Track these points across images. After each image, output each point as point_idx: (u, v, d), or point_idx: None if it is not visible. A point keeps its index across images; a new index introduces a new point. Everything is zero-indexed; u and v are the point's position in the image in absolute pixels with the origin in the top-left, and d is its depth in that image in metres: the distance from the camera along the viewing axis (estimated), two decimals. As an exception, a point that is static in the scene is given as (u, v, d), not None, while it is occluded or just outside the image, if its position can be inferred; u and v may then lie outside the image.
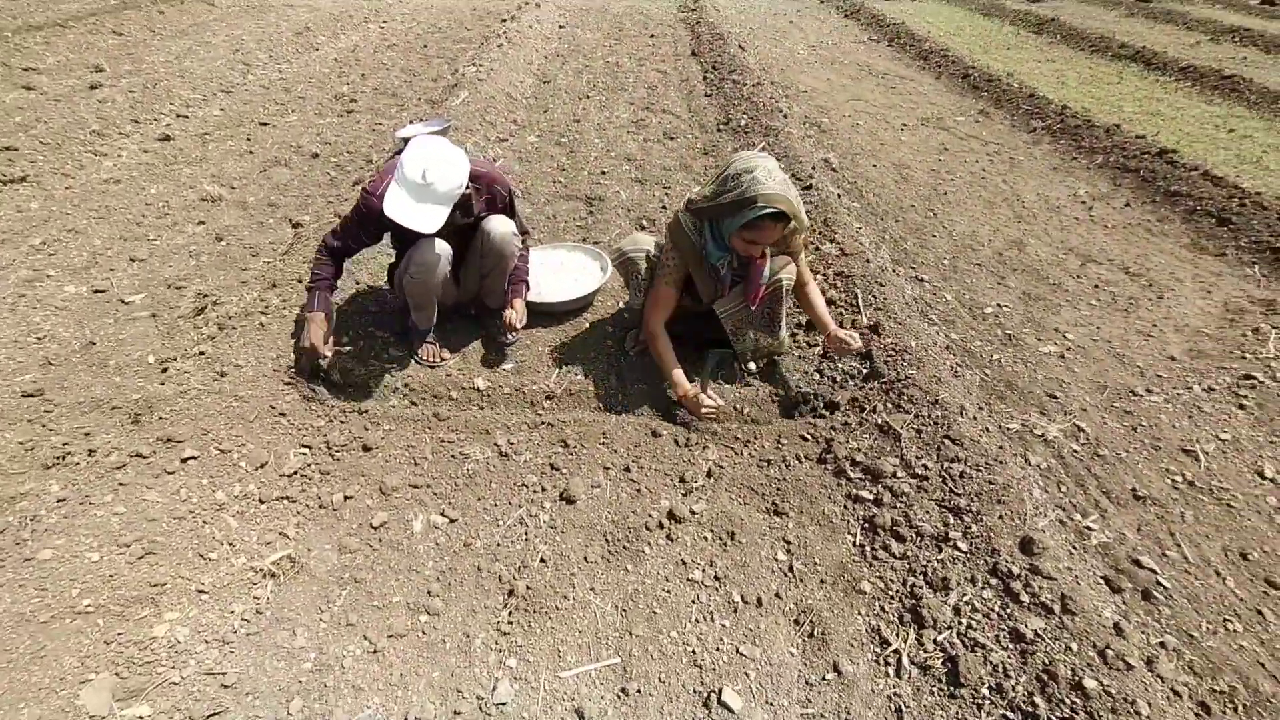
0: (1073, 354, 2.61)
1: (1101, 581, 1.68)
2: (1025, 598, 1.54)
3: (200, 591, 1.56)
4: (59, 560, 1.52)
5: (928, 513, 1.81)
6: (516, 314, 2.38)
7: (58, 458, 1.92)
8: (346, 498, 1.89)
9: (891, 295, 2.69)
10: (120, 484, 1.70)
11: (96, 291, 2.75)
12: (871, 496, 1.91)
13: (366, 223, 2.11)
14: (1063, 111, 5.24)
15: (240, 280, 2.85)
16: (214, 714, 1.38)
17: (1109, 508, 1.94)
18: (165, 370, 2.27)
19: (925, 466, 1.93)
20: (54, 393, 2.22)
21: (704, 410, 2.12)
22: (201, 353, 2.28)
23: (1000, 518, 1.73)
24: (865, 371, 2.35)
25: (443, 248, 2.18)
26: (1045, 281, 3.11)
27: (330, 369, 2.27)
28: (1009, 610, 1.53)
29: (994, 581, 1.59)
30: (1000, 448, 1.98)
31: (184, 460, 1.81)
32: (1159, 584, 1.71)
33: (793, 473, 2.02)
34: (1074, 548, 1.76)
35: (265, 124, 4.64)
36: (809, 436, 2.15)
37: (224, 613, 1.54)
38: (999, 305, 2.89)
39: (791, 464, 2.05)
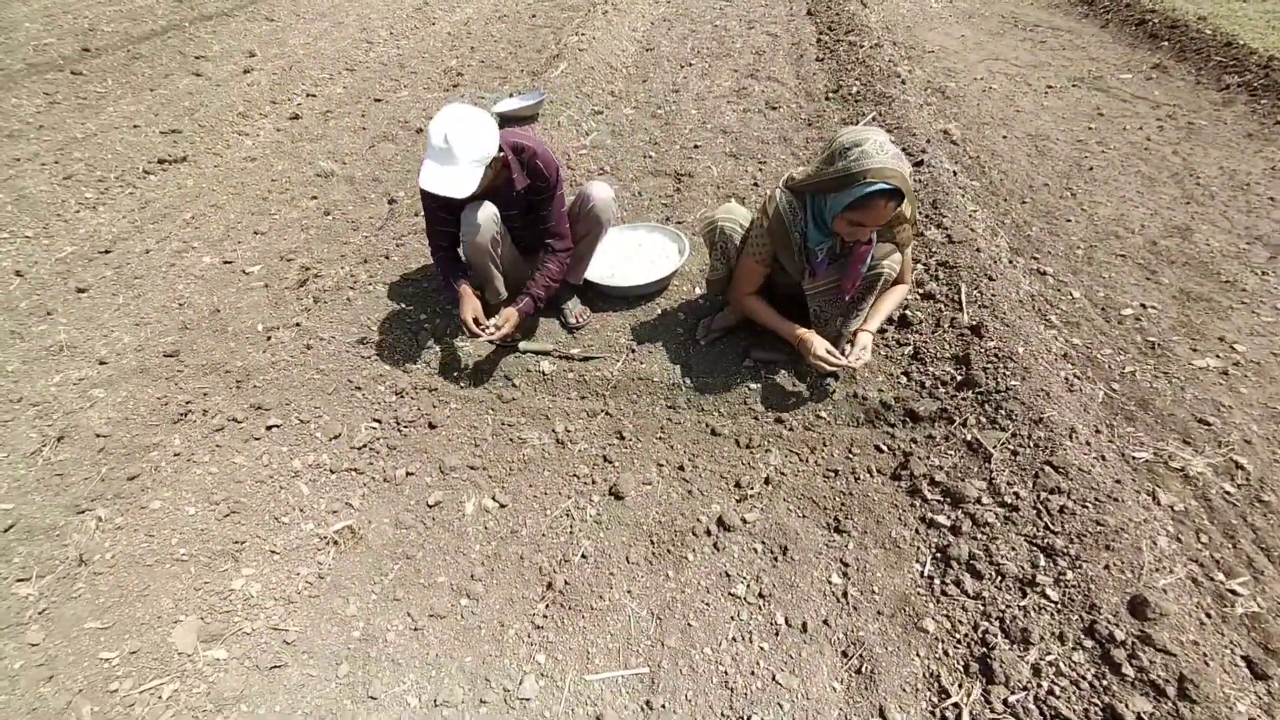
0: (1241, 371, 2.15)
1: (1241, 662, 1.38)
2: (1130, 670, 1.29)
3: (273, 552, 1.70)
4: (165, 511, 1.72)
5: (1014, 549, 1.58)
6: (504, 320, 2.15)
7: (181, 414, 2.17)
8: (408, 474, 1.98)
9: (1002, 291, 2.35)
10: (217, 445, 1.89)
11: (225, 263, 3.07)
12: (949, 523, 1.69)
13: (431, 206, 2.16)
14: (1269, 64, 4.28)
15: (340, 254, 3.05)
16: (276, 666, 1.51)
17: (1266, 569, 1.58)
18: (269, 339, 2.49)
19: (1017, 495, 1.67)
20: (186, 355, 2.50)
21: (822, 363, 1.98)
22: (297, 324, 2.47)
23: (1106, 567, 1.47)
24: (959, 378, 2.07)
25: (488, 210, 2.18)
26: (1214, 278, 2.58)
27: (503, 344, 2.27)
28: (1106, 683, 1.30)
29: (1089, 644, 1.36)
30: (1118, 481, 1.67)
31: (269, 428, 1.98)
32: (1321, 674, 1.37)
33: (861, 487, 1.84)
34: (1208, 616, 1.45)
35: (379, 100, 4.91)
36: (885, 447, 1.95)
37: (291, 574, 1.67)
38: (1143, 306, 2.44)
39: (861, 477, 1.87)
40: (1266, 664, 1.37)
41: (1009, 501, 1.67)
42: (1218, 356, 2.21)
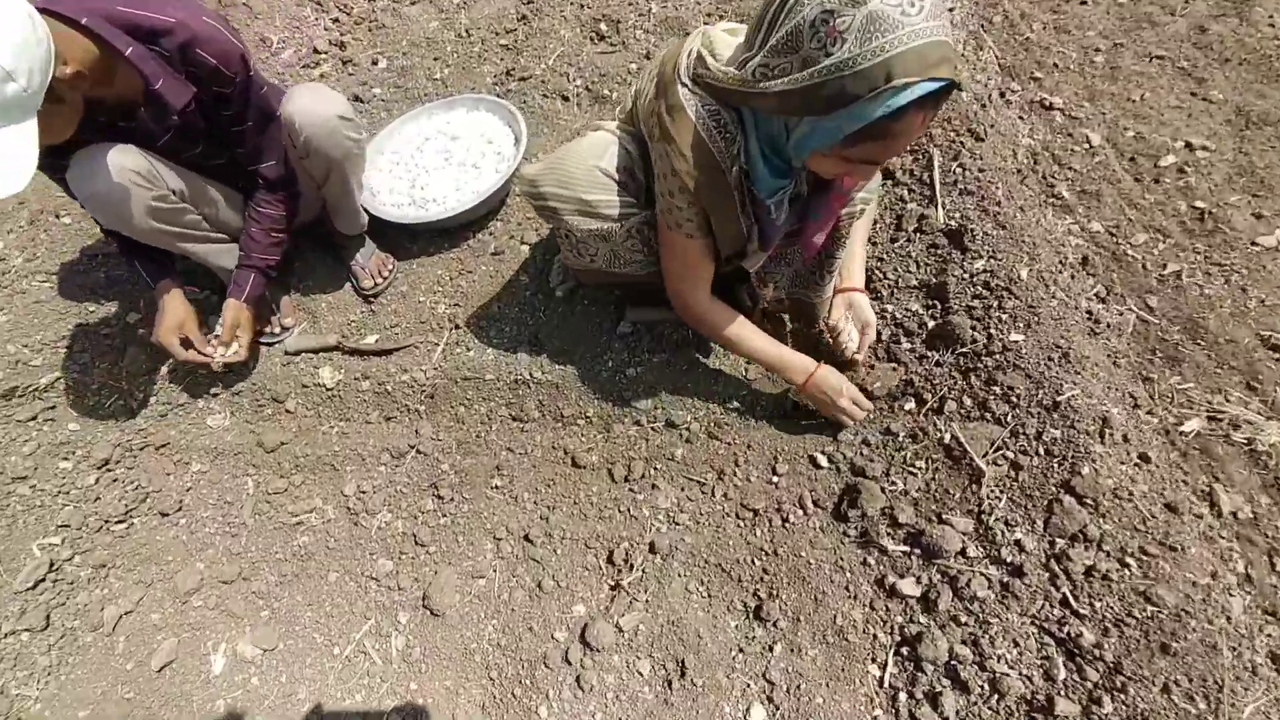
0: (1322, 244, 1.48)
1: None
2: None
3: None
4: None
5: (1017, 644, 1.04)
6: (231, 326, 1.42)
7: None
8: (124, 614, 1.30)
9: (993, 156, 1.54)
10: None
11: None
12: (917, 592, 1.13)
13: None
14: None
15: None
16: None
17: (1365, 608, 1.08)
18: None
19: (1020, 546, 1.09)
20: None
21: (855, 415, 1.28)
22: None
23: (1165, 689, 0.94)
24: (932, 326, 1.38)
25: (127, 161, 1.23)
26: (1280, 79, 1.78)
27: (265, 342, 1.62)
28: None
29: (1136, 839, 0.87)
30: (1169, 508, 1.09)
31: None
32: None
33: (791, 537, 1.24)
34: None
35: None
36: (824, 459, 1.31)
37: None
38: (1188, 146, 1.67)
39: (791, 517, 1.26)
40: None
41: (1008, 558, 1.09)
42: (1290, 221, 1.52)
